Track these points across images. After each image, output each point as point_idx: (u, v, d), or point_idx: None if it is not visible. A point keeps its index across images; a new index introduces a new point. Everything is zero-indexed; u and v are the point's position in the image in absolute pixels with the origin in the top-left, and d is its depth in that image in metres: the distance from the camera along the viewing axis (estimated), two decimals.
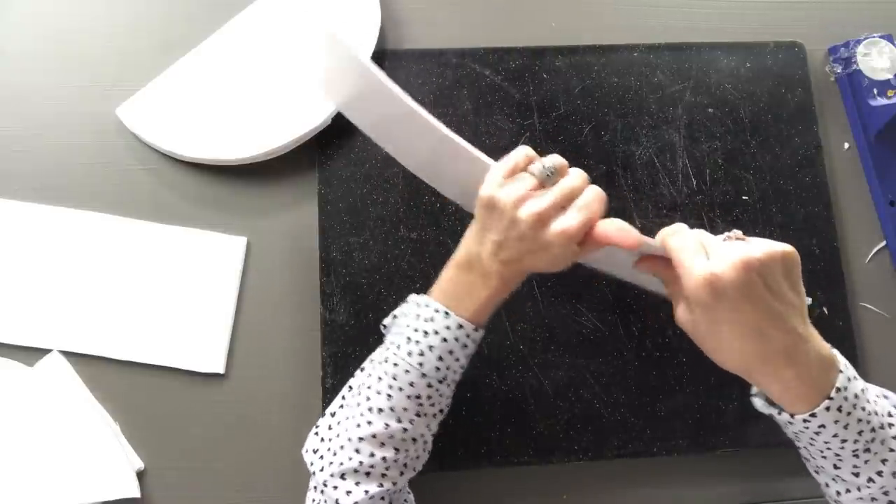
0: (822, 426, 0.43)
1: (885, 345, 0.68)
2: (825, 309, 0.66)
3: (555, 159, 0.47)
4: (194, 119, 0.65)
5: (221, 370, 0.61)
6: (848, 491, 0.46)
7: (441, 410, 0.51)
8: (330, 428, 0.50)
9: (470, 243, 0.49)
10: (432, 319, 0.48)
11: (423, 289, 0.64)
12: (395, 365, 0.48)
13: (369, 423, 0.47)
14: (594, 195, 0.46)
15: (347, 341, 0.62)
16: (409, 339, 0.48)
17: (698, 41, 0.72)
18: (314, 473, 0.49)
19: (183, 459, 0.60)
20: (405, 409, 0.47)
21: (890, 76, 0.71)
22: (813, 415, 0.43)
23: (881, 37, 0.72)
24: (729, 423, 0.63)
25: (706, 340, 0.45)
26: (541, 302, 0.64)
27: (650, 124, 0.69)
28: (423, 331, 0.48)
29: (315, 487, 0.49)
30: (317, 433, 0.51)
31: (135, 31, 0.68)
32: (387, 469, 0.47)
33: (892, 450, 0.44)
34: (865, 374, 0.66)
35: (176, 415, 0.61)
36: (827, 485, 0.48)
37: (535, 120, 0.68)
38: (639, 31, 0.73)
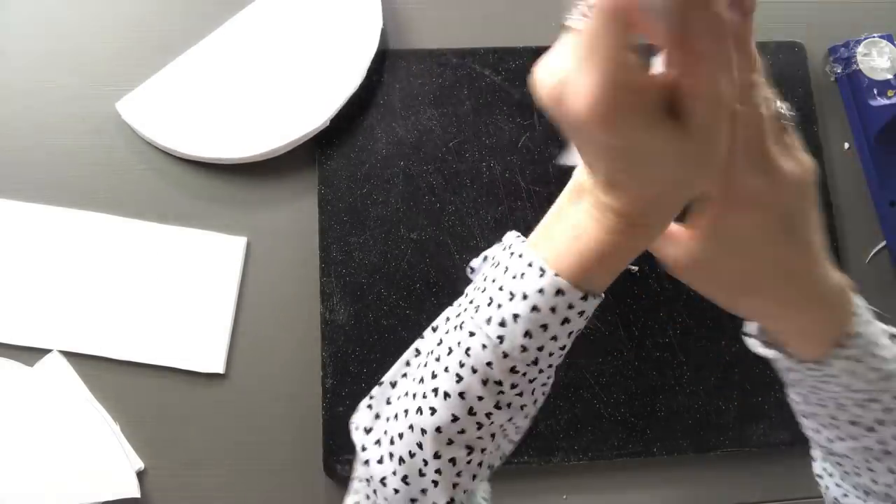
0: (833, 376, 0.37)
1: None
2: None
3: None
4: (194, 116, 0.64)
5: (221, 370, 0.61)
6: (841, 439, 0.40)
7: (534, 402, 0.38)
8: (389, 402, 0.39)
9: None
10: (522, 276, 0.34)
11: (423, 289, 0.64)
12: (471, 334, 0.35)
13: (432, 410, 0.35)
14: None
15: (347, 341, 0.62)
16: (490, 299, 0.35)
17: None
18: (366, 462, 0.38)
19: (183, 459, 0.60)
20: (479, 399, 0.35)
21: (890, 76, 0.71)
22: (822, 363, 0.36)
23: (881, 37, 0.72)
24: (729, 423, 0.63)
25: (717, 250, 0.34)
26: None
27: None
28: (509, 291, 0.34)
29: (368, 480, 0.38)
30: (370, 406, 0.40)
31: (136, 31, 0.68)
32: (457, 475, 0.37)
33: None
34: None
35: (176, 415, 0.61)
36: (818, 430, 0.42)
37: (535, 120, 0.68)
38: None
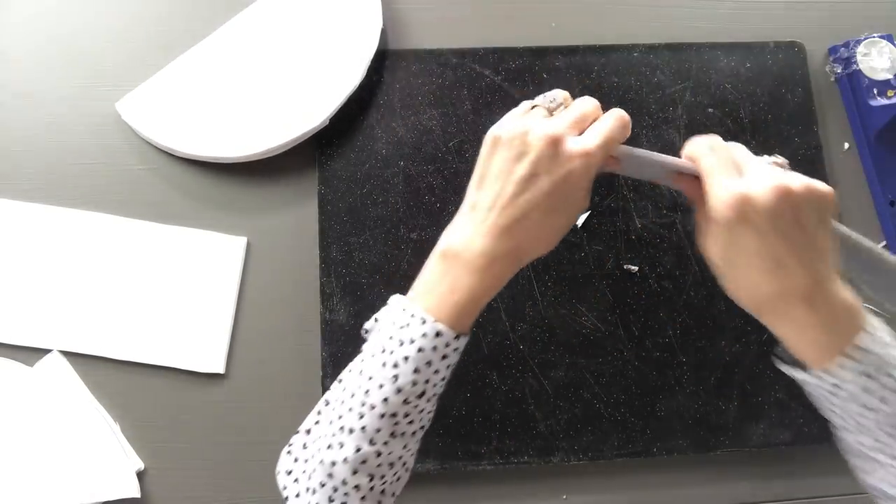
0: (838, 387, 0.40)
1: None
2: None
3: (557, 92, 0.45)
4: (194, 116, 0.65)
5: (221, 370, 0.61)
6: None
7: (422, 427, 0.45)
8: (305, 447, 0.45)
9: (456, 225, 0.45)
10: (408, 325, 0.43)
11: None
12: (370, 378, 0.43)
13: (341, 444, 0.42)
14: (613, 116, 0.43)
15: (347, 341, 0.62)
16: (383, 348, 0.43)
17: (698, 41, 0.72)
18: (287, 499, 0.44)
19: (183, 459, 0.60)
20: (378, 430, 0.42)
21: (890, 76, 0.71)
22: (828, 371, 0.39)
23: (881, 37, 0.72)
24: (729, 423, 0.63)
25: (725, 269, 0.42)
26: (541, 302, 0.64)
27: (650, 124, 0.69)
28: (398, 339, 0.42)
29: None
30: (290, 452, 0.46)
31: (136, 30, 0.68)
32: (362, 499, 0.43)
33: None
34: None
35: (176, 415, 0.61)
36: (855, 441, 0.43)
37: None
38: (639, 31, 0.73)
